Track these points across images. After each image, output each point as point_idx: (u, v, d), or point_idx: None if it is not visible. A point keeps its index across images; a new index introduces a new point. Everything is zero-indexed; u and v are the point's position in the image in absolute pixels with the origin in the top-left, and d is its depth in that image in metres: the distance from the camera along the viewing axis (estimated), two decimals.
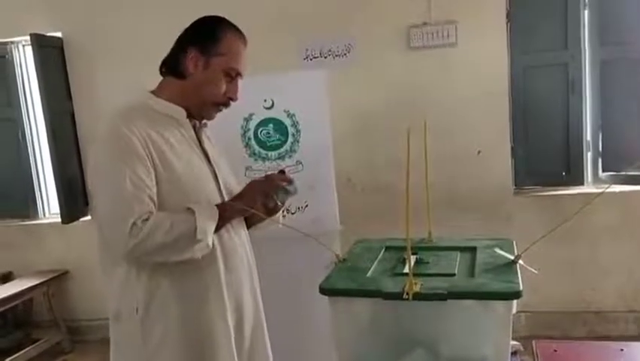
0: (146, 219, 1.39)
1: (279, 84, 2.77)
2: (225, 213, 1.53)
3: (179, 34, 1.61)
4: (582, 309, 3.56)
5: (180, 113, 1.58)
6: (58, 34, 3.95)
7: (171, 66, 1.59)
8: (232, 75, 1.58)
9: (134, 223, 1.37)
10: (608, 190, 3.19)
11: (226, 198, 1.62)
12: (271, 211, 1.67)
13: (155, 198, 1.45)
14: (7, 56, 4.10)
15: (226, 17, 1.64)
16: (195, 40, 1.56)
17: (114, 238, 1.42)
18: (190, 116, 1.61)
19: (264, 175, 1.69)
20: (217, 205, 1.53)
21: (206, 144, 1.66)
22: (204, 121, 1.66)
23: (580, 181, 3.55)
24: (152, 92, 1.60)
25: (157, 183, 1.47)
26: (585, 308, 3.56)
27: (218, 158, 1.69)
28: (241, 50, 1.60)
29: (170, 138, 1.53)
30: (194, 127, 1.63)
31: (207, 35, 1.56)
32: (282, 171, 1.71)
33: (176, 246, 1.43)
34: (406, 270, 1.41)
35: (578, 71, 3.47)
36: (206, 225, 1.45)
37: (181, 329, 1.52)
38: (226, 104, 1.62)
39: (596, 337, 3.46)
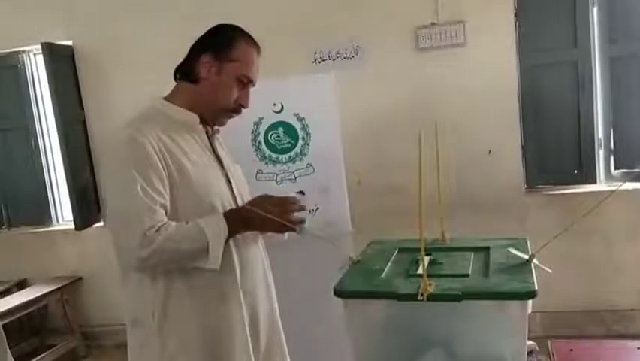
0: (157, 230, 1.39)
1: (288, 88, 2.79)
2: (235, 228, 1.52)
3: (189, 42, 1.63)
4: (598, 308, 3.54)
5: (193, 118, 1.59)
6: (69, 43, 3.98)
7: (185, 71, 1.60)
8: (244, 82, 1.60)
9: (145, 234, 1.38)
10: (621, 188, 3.16)
11: (239, 203, 1.63)
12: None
13: (168, 206, 1.46)
14: (19, 65, 4.15)
15: (235, 22, 1.65)
16: (210, 46, 1.58)
17: (125, 247, 1.43)
18: (203, 122, 1.62)
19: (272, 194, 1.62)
20: (226, 217, 1.50)
21: (219, 149, 1.67)
22: (216, 127, 1.68)
23: (592, 179, 3.52)
24: (165, 98, 1.62)
25: (171, 188, 1.47)
26: (601, 307, 3.53)
27: (231, 163, 1.70)
28: (254, 58, 1.62)
29: (183, 143, 1.54)
30: (206, 133, 1.64)
31: (222, 42, 1.58)
32: (300, 192, 1.69)
33: (184, 260, 1.45)
34: (420, 271, 1.40)
35: (588, 69, 3.45)
36: (216, 243, 1.45)
37: (198, 332, 1.53)
38: (237, 111, 1.63)
39: (613, 335, 3.43)
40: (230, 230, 1.49)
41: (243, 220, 1.53)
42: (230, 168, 1.67)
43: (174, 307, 1.50)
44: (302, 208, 1.58)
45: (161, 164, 1.46)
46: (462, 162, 3.48)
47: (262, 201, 1.56)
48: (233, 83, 1.58)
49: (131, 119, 1.54)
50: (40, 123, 4.22)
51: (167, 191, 1.46)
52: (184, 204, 1.49)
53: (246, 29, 1.64)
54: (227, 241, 1.50)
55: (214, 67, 1.56)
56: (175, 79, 1.64)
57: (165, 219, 1.44)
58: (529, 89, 3.53)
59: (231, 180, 1.64)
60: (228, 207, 1.58)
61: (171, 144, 1.51)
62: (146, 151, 1.44)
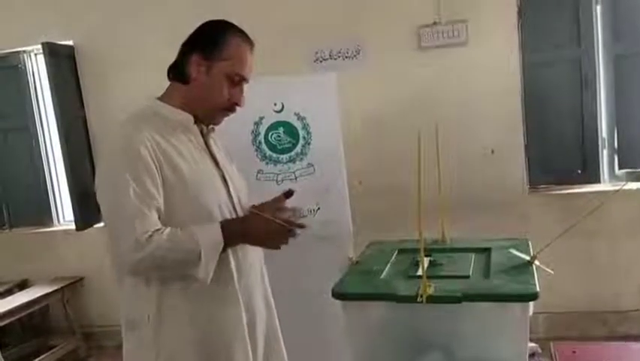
0: (151, 236, 1.37)
1: (289, 87, 2.77)
2: (232, 242, 1.50)
3: None
4: (601, 309, 3.51)
5: (187, 118, 1.56)
6: (70, 43, 3.97)
7: (176, 71, 1.57)
8: (236, 80, 1.56)
9: (137, 239, 1.36)
10: (625, 187, 3.14)
11: (236, 203, 1.61)
12: None
13: (163, 209, 1.44)
14: (19, 65, 4.14)
15: (235, 21, 1.61)
16: (199, 45, 1.54)
17: (118, 251, 1.41)
18: (197, 121, 1.59)
19: (272, 213, 1.56)
20: (224, 230, 1.46)
21: (215, 148, 1.64)
22: (211, 126, 1.65)
23: (596, 179, 3.49)
24: (160, 97, 1.59)
25: (167, 189, 1.45)
26: (604, 308, 3.50)
27: (227, 163, 1.67)
28: (246, 54, 1.57)
29: (178, 144, 1.52)
30: (201, 132, 1.61)
31: (210, 40, 1.54)
32: (289, 193, 1.66)
33: (176, 268, 1.43)
34: (420, 272, 1.39)
35: (592, 67, 3.42)
36: (209, 257, 1.42)
37: (194, 336, 1.51)
38: (231, 110, 1.60)
39: (616, 337, 3.40)
40: (227, 243, 1.47)
41: (242, 237, 1.52)
42: (226, 168, 1.64)
43: (169, 311, 1.48)
44: (299, 225, 1.54)
45: (155, 166, 1.43)
46: (464, 161, 3.45)
47: (261, 223, 1.52)
48: (224, 81, 1.54)
49: (125, 120, 1.52)
50: (41, 123, 4.21)
51: (161, 193, 1.44)
52: (180, 205, 1.47)
53: (239, 26, 1.59)
54: (223, 251, 1.48)
55: (203, 66, 1.53)
56: (169, 78, 1.61)
57: (159, 224, 1.41)
58: (532, 87, 3.50)
59: (228, 179, 1.61)
60: (225, 208, 1.56)
61: (166, 144, 1.48)
62: (139, 154, 1.41)
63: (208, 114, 1.59)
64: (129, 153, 1.42)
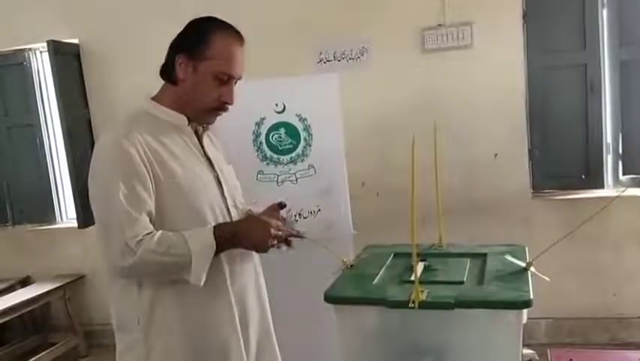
0: (140, 240, 1.36)
1: (291, 88, 2.76)
2: (224, 247, 1.47)
3: None
4: (604, 315, 3.48)
5: (181, 119, 1.55)
6: (75, 41, 3.98)
7: (165, 72, 1.56)
8: (224, 79, 1.52)
9: (126, 244, 1.35)
10: (630, 194, 3.11)
11: (230, 205, 1.59)
12: None
13: (154, 213, 1.43)
14: (25, 63, 4.15)
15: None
16: (184, 45, 1.52)
17: (108, 255, 1.41)
18: (191, 121, 1.58)
19: (265, 216, 1.57)
20: (216, 236, 1.43)
21: (209, 149, 1.62)
22: (206, 125, 1.63)
23: (600, 184, 3.46)
24: (154, 98, 1.58)
25: (159, 191, 1.44)
26: (607, 314, 3.47)
27: (222, 164, 1.66)
28: (233, 52, 1.53)
29: (171, 145, 1.50)
30: (196, 132, 1.60)
31: (195, 40, 1.51)
32: (282, 204, 1.64)
33: (168, 272, 1.43)
34: (414, 277, 1.37)
35: (597, 72, 3.38)
36: (201, 262, 1.40)
37: (186, 338, 1.50)
38: (222, 109, 1.57)
39: (618, 344, 3.37)
40: (219, 247, 1.44)
41: (234, 240, 1.49)
42: (221, 169, 1.62)
43: (160, 313, 1.47)
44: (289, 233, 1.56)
45: (147, 169, 1.42)
46: (467, 165, 3.44)
47: (254, 225, 1.52)
48: (212, 81, 1.51)
49: (120, 121, 1.51)
50: (46, 121, 4.22)
51: (153, 197, 1.43)
52: (172, 206, 1.46)
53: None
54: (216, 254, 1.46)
55: (190, 67, 1.50)
56: (162, 78, 1.59)
57: (150, 228, 1.40)
58: (536, 91, 3.47)
59: (222, 181, 1.60)
60: (217, 209, 1.55)
61: (158, 146, 1.47)
62: (130, 157, 1.40)
63: (199, 114, 1.57)
64: (120, 158, 1.40)
